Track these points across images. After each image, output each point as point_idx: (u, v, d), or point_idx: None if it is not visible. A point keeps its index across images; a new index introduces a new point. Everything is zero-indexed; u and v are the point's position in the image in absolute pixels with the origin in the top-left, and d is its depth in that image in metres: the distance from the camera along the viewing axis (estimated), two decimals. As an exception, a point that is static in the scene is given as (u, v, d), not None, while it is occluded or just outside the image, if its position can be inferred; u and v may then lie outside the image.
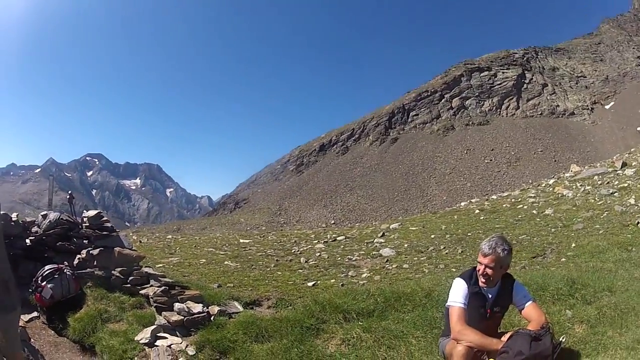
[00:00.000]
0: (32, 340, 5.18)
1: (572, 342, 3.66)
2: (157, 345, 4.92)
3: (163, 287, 5.72)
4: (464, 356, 3.12)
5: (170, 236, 18.89)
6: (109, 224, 7.02)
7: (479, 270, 3.37)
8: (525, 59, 73.90)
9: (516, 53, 75.39)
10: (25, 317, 5.40)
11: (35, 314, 5.94)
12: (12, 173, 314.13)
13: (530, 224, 11.75)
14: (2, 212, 6.43)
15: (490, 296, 3.42)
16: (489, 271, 3.30)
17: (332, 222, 43.27)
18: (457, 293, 3.37)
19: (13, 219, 6.74)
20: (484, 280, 3.36)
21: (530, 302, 3.43)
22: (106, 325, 5.57)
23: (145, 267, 6.58)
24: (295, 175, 62.63)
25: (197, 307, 5.40)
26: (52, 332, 5.77)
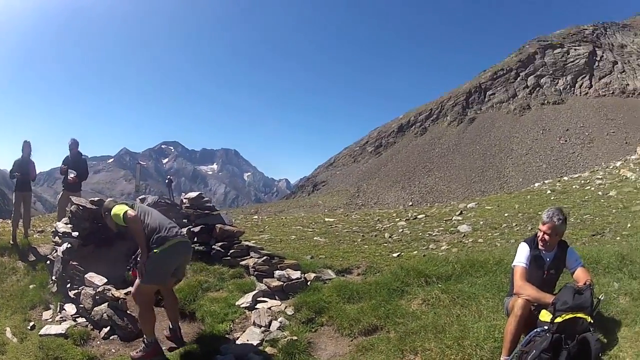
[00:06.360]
0: (129, 310, 5.48)
1: (615, 313, 3.88)
2: (257, 308, 5.48)
3: (265, 257, 6.33)
4: (523, 307, 3.54)
5: (256, 217, 19.31)
6: (209, 204, 7.58)
7: (538, 236, 3.88)
8: (595, 35, 69.25)
9: (586, 29, 70.63)
10: (122, 292, 5.72)
11: (130, 288, 6.33)
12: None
13: (595, 204, 11.76)
14: (97, 199, 6.87)
15: (547, 259, 3.90)
16: (546, 237, 3.81)
17: (410, 203, 41.78)
18: (521, 255, 3.89)
19: None
20: (542, 245, 3.87)
21: (580, 266, 3.85)
22: (206, 294, 6.03)
23: (244, 241, 7.12)
24: (374, 157, 61.59)
25: (295, 274, 6.00)
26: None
